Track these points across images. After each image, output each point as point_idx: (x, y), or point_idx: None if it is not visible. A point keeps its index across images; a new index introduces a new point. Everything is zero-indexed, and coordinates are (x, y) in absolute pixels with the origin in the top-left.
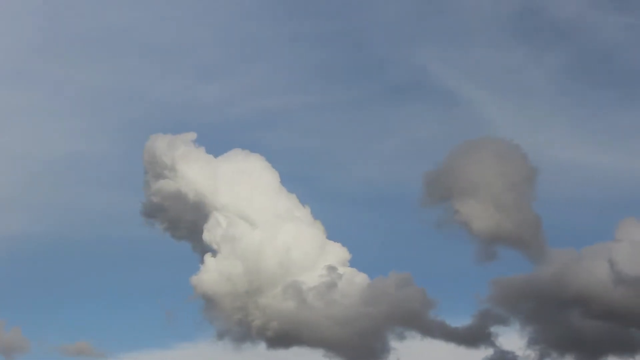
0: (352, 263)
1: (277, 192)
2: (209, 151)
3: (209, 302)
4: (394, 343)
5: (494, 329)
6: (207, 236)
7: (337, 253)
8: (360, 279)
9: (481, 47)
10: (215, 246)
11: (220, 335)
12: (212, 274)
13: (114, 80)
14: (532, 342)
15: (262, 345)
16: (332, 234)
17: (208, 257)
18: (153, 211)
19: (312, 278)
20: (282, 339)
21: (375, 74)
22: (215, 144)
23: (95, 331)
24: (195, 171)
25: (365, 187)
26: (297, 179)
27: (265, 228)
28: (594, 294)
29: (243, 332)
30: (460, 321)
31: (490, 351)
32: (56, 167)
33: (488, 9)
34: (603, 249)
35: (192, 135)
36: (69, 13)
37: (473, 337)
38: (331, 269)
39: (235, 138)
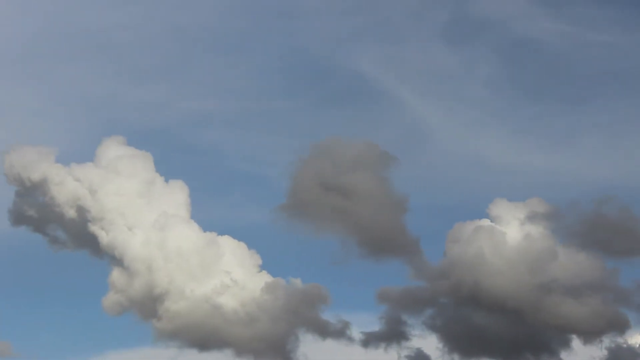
0: (250, 265)
1: (160, 195)
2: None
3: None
4: (302, 345)
5: (404, 331)
6: (102, 247)
7: (234, 254)
8: (260, 280)
9: (419, 53)
10: (110, 256)
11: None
12: (115, 285)
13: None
14: (442, 342)
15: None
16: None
17: (111, 268)
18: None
19: (208, 281)
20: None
21: (310, 79)
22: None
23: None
24: (62, 188)
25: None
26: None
27: (151, 232)
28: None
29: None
30: (365, 323)
31: (404, 352)
32: None
33: (426, 16)
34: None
35: (54, 151)
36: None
37: (383, 338)
38: (226, 273)
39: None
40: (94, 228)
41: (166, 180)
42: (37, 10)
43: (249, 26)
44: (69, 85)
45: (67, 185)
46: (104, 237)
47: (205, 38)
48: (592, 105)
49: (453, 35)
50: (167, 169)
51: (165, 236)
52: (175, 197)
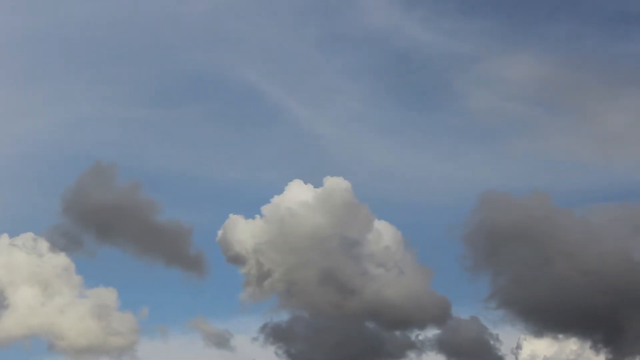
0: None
1: None
2: None
3: None
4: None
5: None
6: None
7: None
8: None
9: (301, 66)
10: None
11: None
12: None
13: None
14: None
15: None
16: None
17: None
18: None
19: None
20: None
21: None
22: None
23: None
24: None
25: None
26: None
27: None
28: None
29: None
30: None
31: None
32: None
33: (304, 29)
34: None
35: None
36: None
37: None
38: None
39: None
40: None
41: None
42: None
43: (137, 37)
44: None
45: None
46: None
47: (91, 47)
48: (471, 114)
49: (331, 48)
50: None
51: None
52: None
